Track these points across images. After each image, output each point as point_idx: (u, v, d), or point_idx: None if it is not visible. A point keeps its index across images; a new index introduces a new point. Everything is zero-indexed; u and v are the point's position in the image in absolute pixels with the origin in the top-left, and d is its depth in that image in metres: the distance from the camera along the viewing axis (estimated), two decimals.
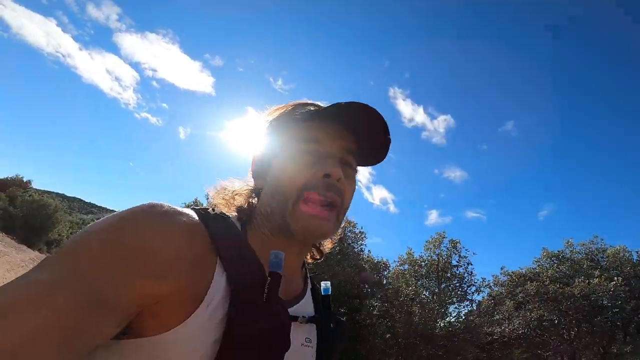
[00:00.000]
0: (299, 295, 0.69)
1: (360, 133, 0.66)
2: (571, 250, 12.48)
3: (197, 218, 0.55)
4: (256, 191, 0.71)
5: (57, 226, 22.37)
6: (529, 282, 11.55)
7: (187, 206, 0.59)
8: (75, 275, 0.43)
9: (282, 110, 0.69)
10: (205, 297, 0.50)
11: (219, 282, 0.51)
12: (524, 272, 12.76)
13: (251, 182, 0.73)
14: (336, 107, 0.61)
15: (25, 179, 25.64)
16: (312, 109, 0.66)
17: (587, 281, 10.43)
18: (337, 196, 0.63)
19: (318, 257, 0.79)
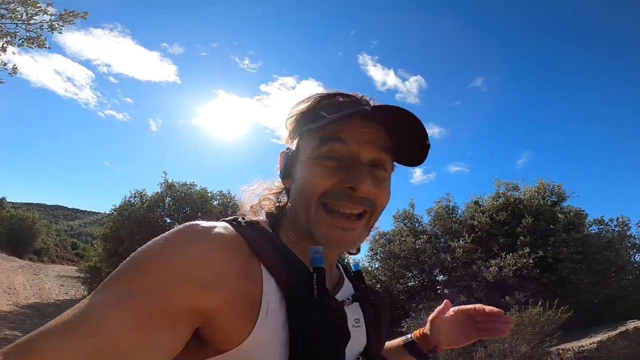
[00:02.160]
0: (339, 282, 0.71)
1: (394, 133, 0.63)
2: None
3: (233, 230, 0.56)
4: (284, 190, 0.73)
5: (40, 236, 23.30)
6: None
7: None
8: (129, 295, 0.44)
9: (308, 104, 0.67)
10: (262, 304, 0.51)
11: (269, 288, 0.53)
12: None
13: (278, 182, 0.75)
14: (367, 112, 0.58)
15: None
16: (341, 99, 0.65)
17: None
18: (366, 207, 0.62)
19: (354, 252, 0.75)
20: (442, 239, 9.19)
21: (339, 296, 0.66)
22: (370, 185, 0.60)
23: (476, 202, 9.41)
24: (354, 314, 0.66)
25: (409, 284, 8.85)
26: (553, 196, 8.95)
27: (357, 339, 0.64)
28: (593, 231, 8.71)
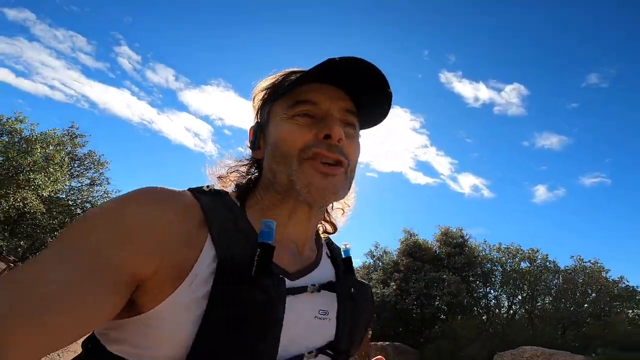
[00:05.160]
0: (311, 265, 0.65)
1: (358, 91, 0.63)
2: None
3: (190, 196, 0.55)
4: (255, 163, 0.70)
5: None
6: None
7: None
8: (76, 250, 0.45)
9: (274, 80, 0.67)
10: (190, 273, 0.49)
11: (206, 258, 0.50)
12: None
13: (247, 157, 0.72)
14: (330, 64, 0.57)
15: None
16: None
17: None
18: (341, 156, 0.60)
19: (331, 231, 0.76)
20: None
21: (304, 280, 0.60)
22: (343, 135, 0.60)
23: None
24: (319, 304, 0.61)
25: None
26: None
27: (319, 331, 0.60)
28: None
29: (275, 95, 0.64)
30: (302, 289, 0.58)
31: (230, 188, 0.68)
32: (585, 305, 9.95)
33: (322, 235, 0.77)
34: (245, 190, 0.66)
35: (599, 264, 10.61)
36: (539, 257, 10.20)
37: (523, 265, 10.45)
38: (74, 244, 0.46)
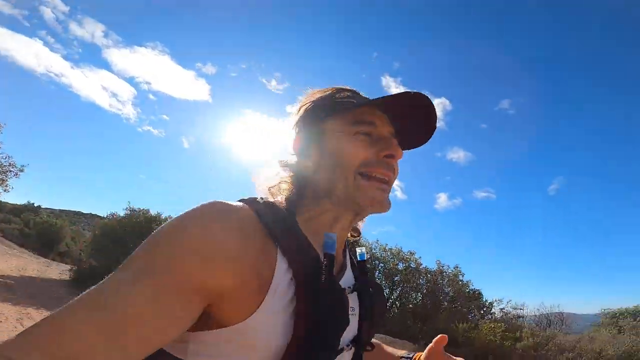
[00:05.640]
0: (342, 268, 0.71)
1: (406, 118, 0.68)
2: None
3: (250, 210, 0.57)
4: (303, 172, 0.70)
5: (65, 240, 26.54)
6: None
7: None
8: (151, 270, 0.46)
9: (324, 94, 0.70)
10: (272, 284, 0.52)
11: (281, 269, 0.53)
12: None
13: (288, 168, 0.71)
14: (397, 96, 0.62)
15: (35, 204, 29.73)
16: (350, 93, 0.69)
17: None
18: (393, 176, 0.66)
19: (357, 235, 0.81)
20: None
21: (342, 283, 0.67)
22: (402, 154, 0.66)
23: None
24: (351, 302, 0.66)
25: None
26: None
27: (351, 326, 0.65)
28: None
29: (332, 110, 0.67)
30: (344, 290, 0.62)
31: (279, 197, 0.68)
32: (445, 303, 12.35)
33: (349, 238, 0.81)
34: (294, 200, 0.67)
35: (458, 268, 13.22)
36: (412, 259, 12.37)
37: (400, 266, 12.49)
38: (149, 261, 0.48)
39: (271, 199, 0.66)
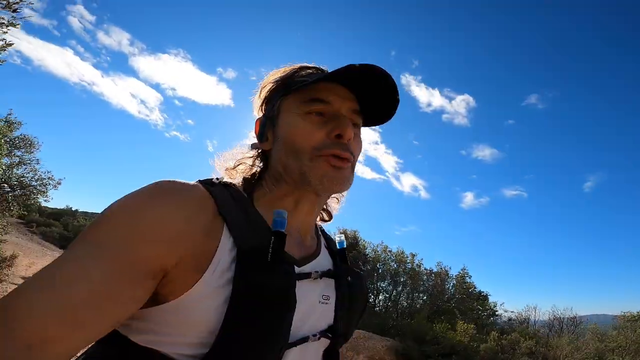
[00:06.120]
0: (314, 253, 0.69)
1: (368, 94, 0.67)
2: None
3: (203, 189, 0.57)
4: (262, 154, 0.71)
5: None
6: None
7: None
8: (103, 248, 0.46)
9: (284, 74, 0.69)
10: (212, 260, 0.52)
11: (225, 246, 0.53)
12: None
13: (251, 150, 0.73)
14: (345, 69, 0.60)
15: (73, 209, 32.56)
16: (312, 71, 0.68)
17: None
18: (350, 154, 0.64)
19: (327, 219, 0.81)
20: None
21: (309, 267, 0.64)
22: (353, 135, 0.64)
23: None
24: (322, 290, 0.65)
25: None
26: None
27: (322, 315, 0.64)
28: None
29: (287, 90, 0.66)
30: (307, 275, 0.62)
31: (237, 179, 0.68)
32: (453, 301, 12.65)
33: (318, 222, 0.80)
34: (252, 182, 0.68)
35: (465, 270, 13.47)
36: (414, 261, 12.80)
37: (395, 266, 12.81)
38: (100, 242, 0.47)
39: (229, 181, 0.66)
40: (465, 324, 8.68)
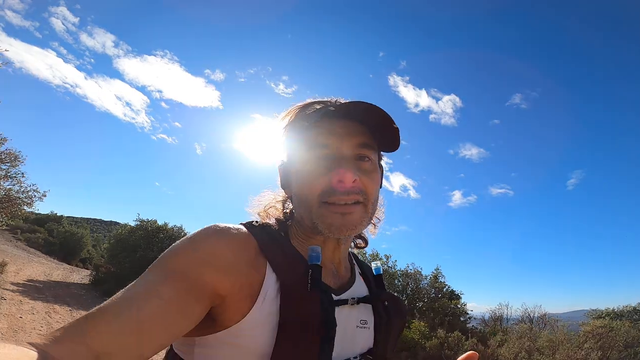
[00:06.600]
0: (349, 282, 0.76)
1: (370, 126, 0.69)
2: None
3: (245, 230, 0.67)
4: (288, 199, 0.80)
5: (86, 247, 28.44)
6: None
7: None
8: (172, 273, 0.56)
9: (290, 116, 0.73)
10: (260, 292, 0.60)
11: (270, 280, 0.62)
12: None
13: (282, 192, 0.80)
14: (342, 106, 0.65)
15: (58, 214, 32.10)
16: (318, 107, 0.70)
17: None
18: (358, 195, 0.66)
19: (363, 245, 0.86)
20: None
21: (345, 295, 0.71)
22: (357, 174, 0.66)
23: None
24: (360, 315, 0.71)
25: None
26: None
27: (361, 339, 0.70)
28: None
29: (297, 136, 0.71)
30: (344, 302, 0.69)
31: (272, 220, 0.76)
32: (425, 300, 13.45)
33: (354, 249, 0.87)
34: (285, 222, 0.76)
35: (438, 270, 14.23)
36: (388, 262, 13.53)
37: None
38: (166, 268, 0.58)
39: (266, 221, 0.74)
40: (418, 322, 9.17)
